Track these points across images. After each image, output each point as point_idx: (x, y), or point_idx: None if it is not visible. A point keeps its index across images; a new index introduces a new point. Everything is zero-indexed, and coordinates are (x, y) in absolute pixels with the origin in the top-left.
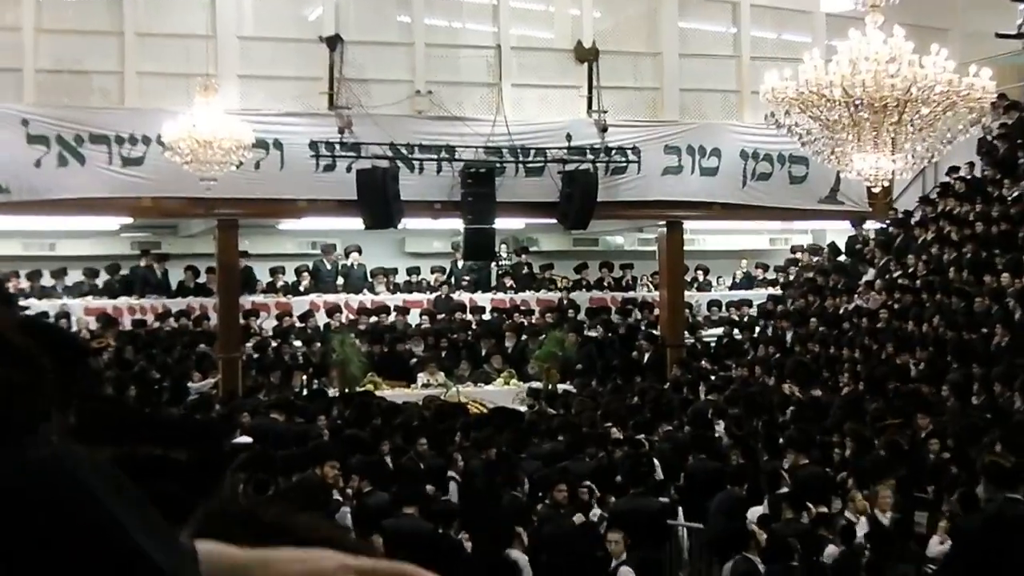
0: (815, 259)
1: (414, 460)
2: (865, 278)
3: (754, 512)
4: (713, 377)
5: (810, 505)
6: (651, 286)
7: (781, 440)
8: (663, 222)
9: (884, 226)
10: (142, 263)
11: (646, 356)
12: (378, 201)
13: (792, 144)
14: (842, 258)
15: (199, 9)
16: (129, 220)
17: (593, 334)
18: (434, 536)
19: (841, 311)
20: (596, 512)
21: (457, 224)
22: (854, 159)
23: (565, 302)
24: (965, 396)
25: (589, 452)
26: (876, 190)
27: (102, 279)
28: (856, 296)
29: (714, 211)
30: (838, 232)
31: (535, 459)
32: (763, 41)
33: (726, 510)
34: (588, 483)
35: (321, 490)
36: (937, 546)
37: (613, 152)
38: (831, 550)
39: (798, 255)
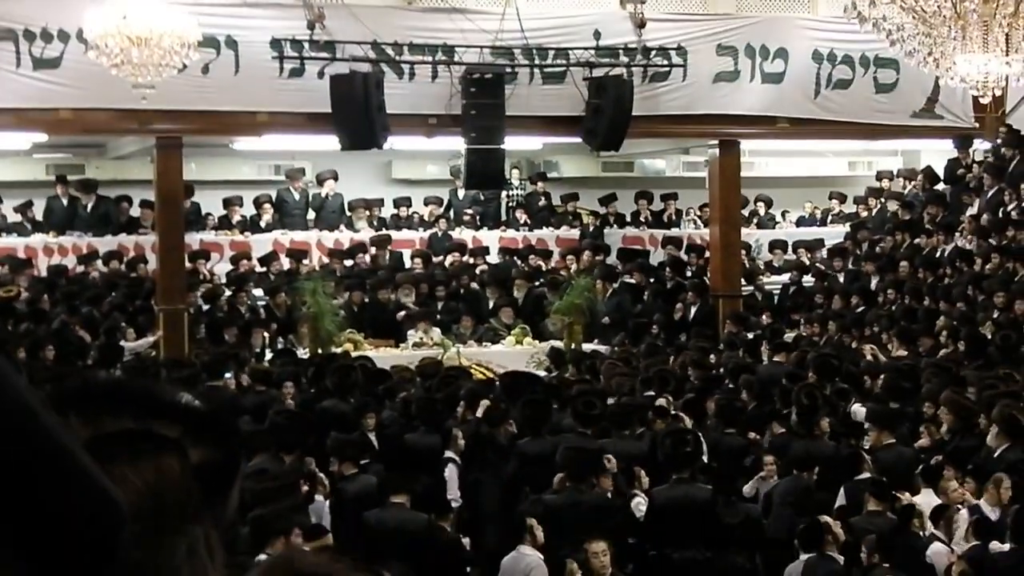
0: (907, 187)
1: (404, 438)
2: (970, 211)
3: None
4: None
5: (900, 495)
6: (699, 222)
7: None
8: (714, 142)
9: (995, 146)
10: (58, 191)
11: (692, 309)
12: (358, 115)
13: (879, 43)
14: (940, 186)
15: None
16: (44, 137)
17: (629, 281)
18: (428, 531)
19: (938, 253)
20: (639, 501)
21: (457, 144)
22: (957, 61)
23: (591, 241)
24: None
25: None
26: (985, 100)
27: (9, 212)
28: (958, 234)
29: (779, 128)
30: (936, 154)
31: (555, 435)
32: None
33: (794, 501)
34: (636, 468)
35: (290, 476)
36: None
37: (652, 54)
38: (937, 547)
39: (884, 183)
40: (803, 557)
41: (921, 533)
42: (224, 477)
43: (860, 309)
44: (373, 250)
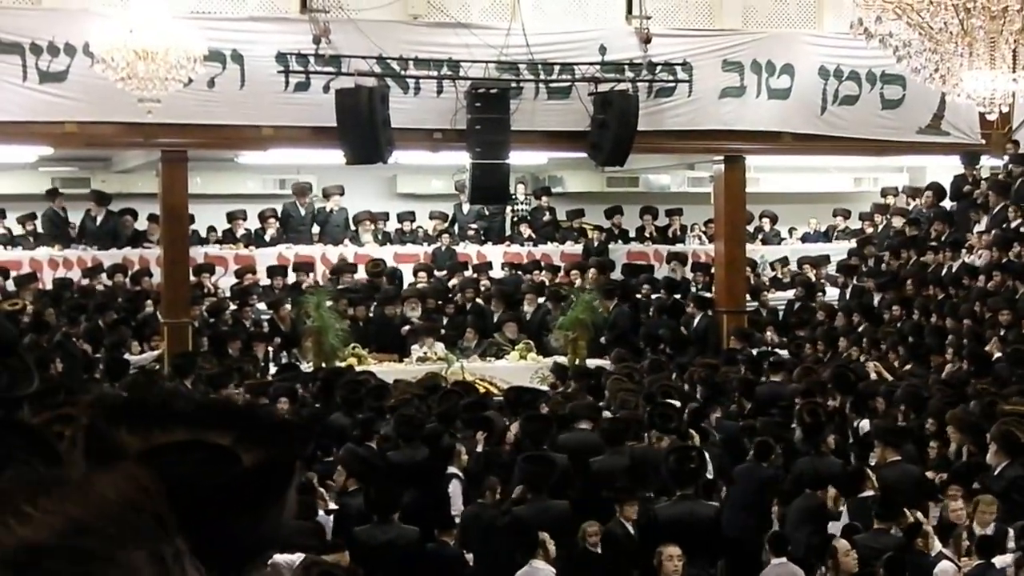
0: (912, 204)
1: (388, 454)
2: (977, 228)
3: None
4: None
5: (907, 512)
6: (704, 237)
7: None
8: (720, 157)
9: (1002, 163)
10: (55, 204)
11: (695, 322)
12: (363, 129)
13: (885, 59)
14: (947, 203)
15: None
16: (49, 150)
17: (636, 296)
18: (419, 544)
19: (944, 271)
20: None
21: (462, 158)
22: (964, 78)
23: (597, 259)
24: None
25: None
26: (991, 117)
27: (14, 224)
28: (964, 251)
29: (785, 143)
30: (942, 170)
31: (560, 451)
32: None
33: (808, 520)
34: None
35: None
36: None
37: (658, 69)
38: (945, 566)
39: (890, 199)
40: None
41: (929, 551)
42: (278, 477)
43: (862, 327)
44: (366, 277)
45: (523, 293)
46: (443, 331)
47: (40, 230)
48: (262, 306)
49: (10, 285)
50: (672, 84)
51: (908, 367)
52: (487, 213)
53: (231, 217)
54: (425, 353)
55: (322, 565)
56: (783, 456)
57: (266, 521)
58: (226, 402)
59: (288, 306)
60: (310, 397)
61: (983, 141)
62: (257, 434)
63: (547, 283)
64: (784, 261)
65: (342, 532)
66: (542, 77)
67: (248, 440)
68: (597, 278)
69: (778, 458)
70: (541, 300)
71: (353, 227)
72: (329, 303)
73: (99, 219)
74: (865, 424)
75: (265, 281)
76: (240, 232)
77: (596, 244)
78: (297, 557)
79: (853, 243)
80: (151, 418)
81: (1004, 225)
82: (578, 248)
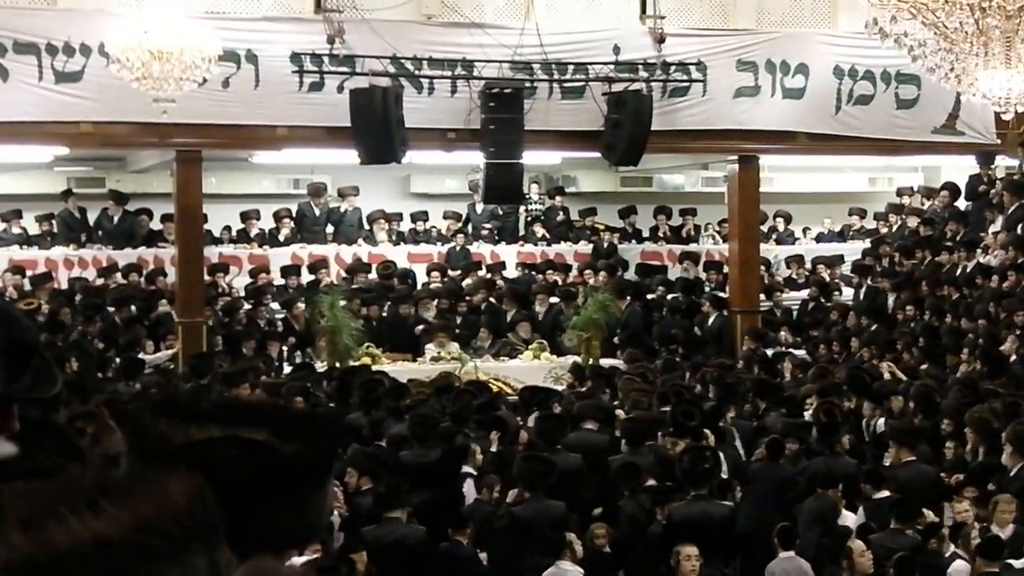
0: (927, 204)
1: (400, 455)
2: (992, 228)
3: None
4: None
5: (927, 512)
6: (718, 237)
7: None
8: (734, 157)
9: (1018, 163)
10: (68, 204)
11: (710, 320)
12: (377, 129)
13: (900, 59)
14: (962, 203)
15: None
16: (65, 150)
17: (650, 296)
18: (426, 544)
19: (959, 271)
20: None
21: (476, 158)
22: (980, 77)
23: (605, 262)
24: None
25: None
26: (1007, 117)
27: (30, 224)
28: (979, 251)
29: (799, 143)
30: (957, 170)
31: (572, 451)
32: None
33: (819, 519)
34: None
35: None
36: None
37: (672, 69)
38: (959, 566)
39: (905, 199)
40: None
41: (944, 552)
42: (317, 467)
43: (874, 327)
44: (376, 276)
45: (534, 293)
46: (457, 331)
47: (56, 230)
48: (276, 306)
49: (26, 284)
50: (686, 84)
51: (924, 367)
52: (501, 213)
53: (245, 217)
54: (439, 353)
55: (334, 562)
56: (805, 456)
57: (304, 511)
58: (256, 401)
59: (302, 306)
60: (324, 396)
61: (998, 141)
62: (293, 429)
63: (559, 283)
64: (799, 261)
65: (354, 531)
66: (556, 77)
67: (285, 435)
68: (607, 280)
69: (799, 458)
70: (553, 300)
71: (368, 226)
72: (343, 303)
73: (116, 218)
74: (880, 424)
75: (279, 281)
76: (254, 232)
77: (606, 246)
78: (313, 556)
79: (867, 243)
80: (186, 416)
81: (1019, 225)
82: (591, 248)
